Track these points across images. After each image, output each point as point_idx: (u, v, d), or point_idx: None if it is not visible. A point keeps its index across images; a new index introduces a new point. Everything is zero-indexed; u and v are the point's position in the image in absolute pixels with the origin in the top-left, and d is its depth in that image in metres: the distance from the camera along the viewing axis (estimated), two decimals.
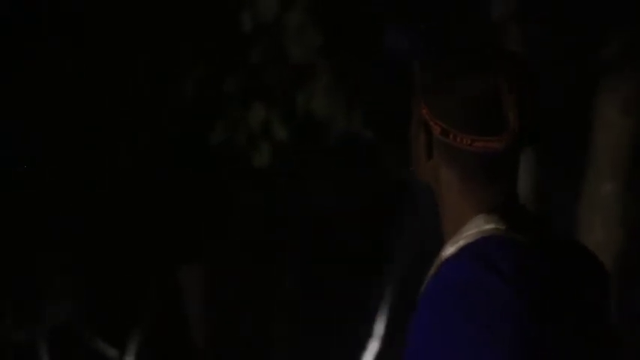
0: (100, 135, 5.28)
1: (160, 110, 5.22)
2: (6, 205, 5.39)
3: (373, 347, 6.29)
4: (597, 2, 4.85)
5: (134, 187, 5.58)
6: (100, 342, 5.96)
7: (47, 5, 5.16)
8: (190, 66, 5.04)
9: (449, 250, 1.34)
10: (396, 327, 6.05)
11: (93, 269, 5.88)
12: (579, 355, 1.34)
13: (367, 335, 6.27)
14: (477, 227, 1.34)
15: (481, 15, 4.77)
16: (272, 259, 6.48)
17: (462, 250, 1.32)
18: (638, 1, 4.59)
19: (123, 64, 5.18)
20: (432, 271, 1.34)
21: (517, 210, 1.36)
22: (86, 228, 5.60)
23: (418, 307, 1.31)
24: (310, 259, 6.54)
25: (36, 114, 5.27)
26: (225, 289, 6.33)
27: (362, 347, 6.26)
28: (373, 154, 5.84)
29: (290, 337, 6.51)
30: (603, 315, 1.39)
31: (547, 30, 4.84)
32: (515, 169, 1.37)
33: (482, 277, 1.27)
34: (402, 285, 6.17)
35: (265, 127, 4.92)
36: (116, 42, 5.12)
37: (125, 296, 6.01)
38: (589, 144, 4.71)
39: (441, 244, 1.37)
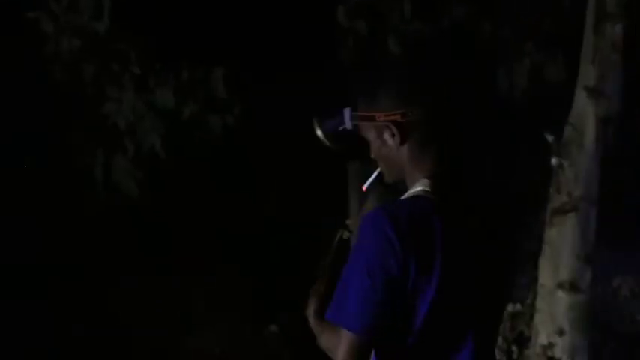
0: None
1: None
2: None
3: None
4: None
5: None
6: None
7: None
8: None
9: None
10: None
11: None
12: (449, 290, 1.86)
13: None
14: (417, 187, 1.92)
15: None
16: None
17: (391, 204, 1.89)
18: None
19: None
20: None
21: (445, 177, 1.91)
22: None
23: None
24: None
25: None
26: None
27: None
28: None
29: None
30: (483, 267, 1.91)
31: None
32: (445, 148, 1.93)
33: (382, 219, 1.85)
34: None
35: None
36: None
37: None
38: None
39: None
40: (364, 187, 2.06)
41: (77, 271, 5.67)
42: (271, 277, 6.04)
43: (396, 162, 1.95)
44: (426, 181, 1.91)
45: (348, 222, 2.11)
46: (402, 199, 1.92)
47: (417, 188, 1.91)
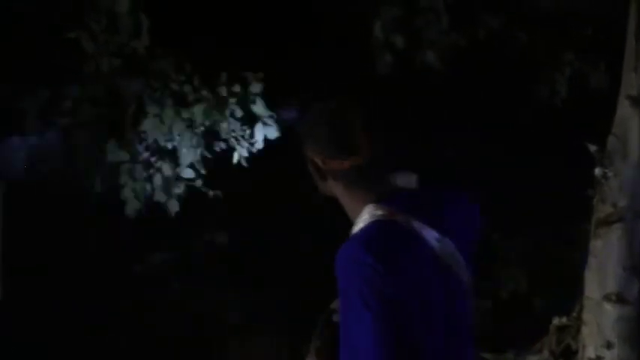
0: None
1: None
2: None
3: None
4: None
5: None
6: None
7: None
8: None
9: (354, 230, 1.97)
10: None
11: None
12: (432, 306, 1.90)
13: None
14: (368, 214, 1.94)
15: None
16: None
17: (354, 234, 1.93)
18: None
19: None
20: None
21: (397, 196, 1.96)
22: None
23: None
24: None
25: None
26: None
27: None
28: None
29: None
30: (457, 277, 1.96)
31: None
32: (386, 170, 1.98)
33: (354, 249, 1.87)
34: None
35: None
36: None
37: None
38: None
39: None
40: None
41: (124, 282, 5.70)
42: (311, 293, 6.04)
43: (333, 193, 2.01)
44: (372, 207, 1.94)
45: (333, 305, 2.06)
46: (365, 227, 1.93)
47: (367, 214, 1.94)
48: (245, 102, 5.24)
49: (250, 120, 5.22)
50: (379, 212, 1.93)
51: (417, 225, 1.93)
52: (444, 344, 1.91)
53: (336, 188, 1.99)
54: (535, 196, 6.07)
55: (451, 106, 6.20)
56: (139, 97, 5.16)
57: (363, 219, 1.94)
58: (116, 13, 5.01)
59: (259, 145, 5.20)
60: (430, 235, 1.94)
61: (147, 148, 5.19)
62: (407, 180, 2.13)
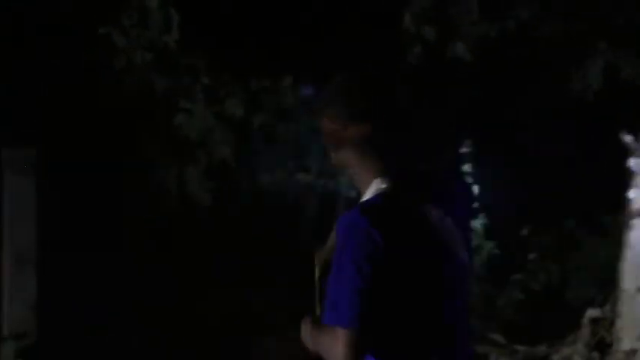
0: None
1: None
2: None
3: None
4: None
5: None
6: None
7: None
8: None
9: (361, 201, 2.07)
10: None
11: None
12: (427, 279, 1.98)
13: None
14: (374, 187, 2.04)
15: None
16: None
17: (358, 206, 2.02)
18: None
19: None
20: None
21: (404, 173, 2.04)
22: None
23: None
24: None
25: None
26: None
27: None
28: None
29: None
30: (456, 254, 2.03)
31: None
32: (400, 148, 2.05)
33: (356, 216, 1.97)
34: None
35: None
36: None
37: None
38: None
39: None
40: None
41: (154, 279, 5.72)
42: None
43: (343, 164, 2.09)
44: (379, 181, 2.04)
45: (317, 253, 2.16)
46: (369, 199, 2.03)
47: (374, 187, 2.04)
48: (276, 95, 5.24)
49: (281, 113, 5.22)
50: (384, 186, 2.02)
51: (419, 202, 2.02)
52: (438, 319, 1.99)
53: (349, 159, 2.06)
54: (568, 187, 6.02)
55: (481, 97, 6.17)
56: (170, 92, 5.17)
57: (369, 192, 2.04)
58: (147, 7, 5.02)
59: (287, 139, 5.19)
60: (431, 212, 2.02)
61: (179, 142, 5.21)
62: (424, 161, 2.18)
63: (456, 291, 2.03)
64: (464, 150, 6.09)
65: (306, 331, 2.09)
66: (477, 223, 5.86)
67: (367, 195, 2.04)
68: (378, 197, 2.02)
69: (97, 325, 5.53)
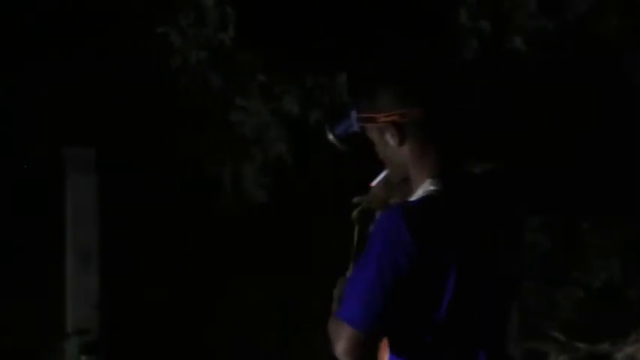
0: None
1: None
2: None
3: None
4: None
5: None
6: None
7: None
8: None
9: None
10: None
11: None
12: (463, 288, 1.90)
13: None
14: (422, 188, 1.97)
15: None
16: None
17: (398, 203, 1.99)
18: None
19: None
20: None
21: (455, 176, 1.97)
22: None
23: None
24: None
25: None
26: None
27: None
28: None
29: None
30: (497, 264, 1.96)
31: None
32: (447, 147, 1.97)
33: (396, 218, 1.90)
34: None
35: None
36: None
37: None
38: None
39: None
40: (372, 184, 2.11)
41: (209, 273, 5.77)
42: None
43: (399, 162, 2.00)
44: (431, 181, 1.96)
45: (356, 199, 2.14)
46: (413, 200, 1.97)
47: (424, 188, 1.96)
48: (331, 92, 5.25)
49: (337, 110, 5.22)
50: (433, 188, 1.96)
51: (467, 206, 1.96)
52: (467, 328, 1.92)
53: (401, 152, 1.99)
54: (629, 182, 5.92)
55: (539, 91, 6.10)
56: (225, 89, 5.22)
57: (417, 193, 1.99)
58: (203, 6, 5.08)
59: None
60: (479, 218, 1.96)
61: (235, 139, 5.25)
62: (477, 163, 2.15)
63: (494, 302, 1.96)
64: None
65: (336, 291, 2.06)
66: (535, 219, 5.79)
67: (415, 196, 1.99)
68: (423, 199, 1.96)
69: (158, 321, 5.60)
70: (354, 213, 2.13)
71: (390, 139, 1.99)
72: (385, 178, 2.09)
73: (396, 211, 1.92)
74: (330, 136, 2.12)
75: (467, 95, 2.09)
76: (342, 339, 1.89)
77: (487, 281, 1.95)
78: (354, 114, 2.06)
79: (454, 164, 1.98)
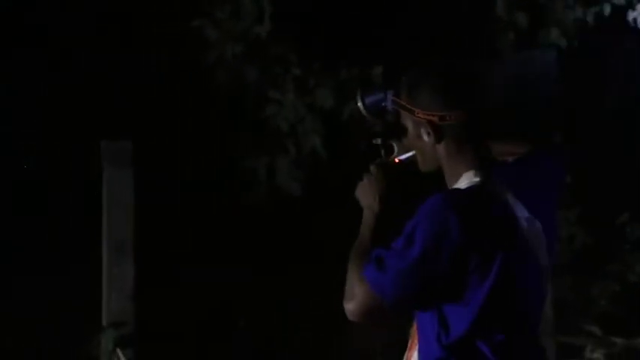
0: None
1: None
2: None
3: None
4: None
5: None
6: None
7: None
8: None
9: None
10: None
11: None
12: (502, 283, 1.89)
13: None
14: (466, 179, 1.96)
15: None
16: None
17: (449, 190, 1.97)
18: None
19: None
20: None
21: (497, 167, 1.99)
22: None
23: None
24: None
25: None
26: None
27: None
28: None
29: None
30: (538, 260, 1.95)
31: None
32: (483, 145, 1.98)
33: (447, 208, 1.90)
34: None
35: None
36: None
37: None
38: None
39: None
40: (397, 159, 2.09)
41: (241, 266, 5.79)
42: None
43: (431, 156, 2.00)
44: (471, 173, 1.96)
45: (375, 141, 2.12)
46: (462, 189, 1.95)
47: (465, 180, 1.96)
48: (366, 85, 5.23)
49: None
50: (477, 179, 1.96)
51: (510, 200, 1.95)
52: (511, 315, 1.92)
53: (434, 149, 1.98)
54: None
55: (571, 83, 6.05)
56: (260, 83, 5.22)
57: (460, 184, 1.97)
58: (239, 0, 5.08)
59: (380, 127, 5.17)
60: (521, 212, 1.95)
61: (269, 132, 5.25)
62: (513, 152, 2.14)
63: (534, 289, 1.96)
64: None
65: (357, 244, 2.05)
66: (571, 211, 5.75)
67: (459, 185, 1.98)
68: (468, 189, 1.95)
69: (193, 314, 5.62)
70: (372, 167, 2.10)
71: (425, 136, 1.98)
72: (410, 159, 2.07)
73: (445, 202, 1.90)
74: (360, 104, 2.10)
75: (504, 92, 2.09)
76: (361, 300, 1.90)
77: (529, 268, 1.94)
78: (390, 94, 2.04)
79: (490, 155, 2.00)
